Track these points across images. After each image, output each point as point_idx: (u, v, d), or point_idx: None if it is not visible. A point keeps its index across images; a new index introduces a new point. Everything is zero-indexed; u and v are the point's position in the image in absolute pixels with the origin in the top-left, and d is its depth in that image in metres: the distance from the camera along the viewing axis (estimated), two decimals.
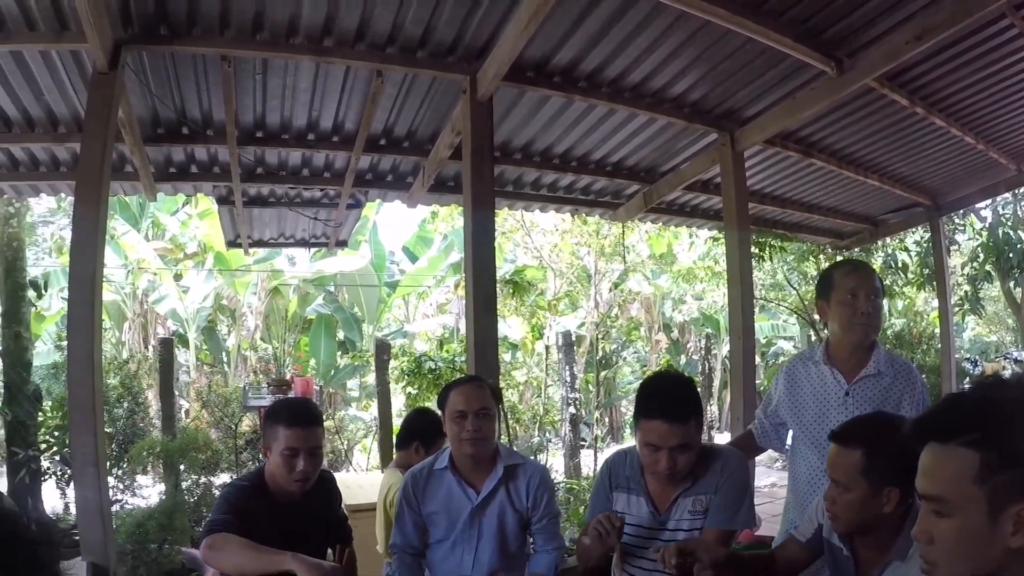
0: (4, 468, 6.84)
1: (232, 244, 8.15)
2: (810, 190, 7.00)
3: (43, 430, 6.86)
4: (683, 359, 17.20)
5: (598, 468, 2.91)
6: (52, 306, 12.79)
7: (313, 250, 11.23)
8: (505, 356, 13.52)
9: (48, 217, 13.02)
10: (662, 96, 4.78)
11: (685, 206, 7.25)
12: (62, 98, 4.46)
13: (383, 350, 8.25)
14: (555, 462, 8.96)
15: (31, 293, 7.14)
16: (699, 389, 2.72)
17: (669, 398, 2.38)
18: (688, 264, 13.76)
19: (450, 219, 13.43)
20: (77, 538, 3.66)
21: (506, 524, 2.89)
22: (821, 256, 9.34)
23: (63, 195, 6.28)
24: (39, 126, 4.79)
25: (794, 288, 9.66)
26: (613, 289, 13.35)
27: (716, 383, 15.55)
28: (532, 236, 12.58)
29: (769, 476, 9.44)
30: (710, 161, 5.59)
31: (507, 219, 11.99)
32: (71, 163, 5.29)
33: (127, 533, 5.21)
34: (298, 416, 2.64)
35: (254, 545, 2.38)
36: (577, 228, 11.82)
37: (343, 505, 3.10)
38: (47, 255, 13.72)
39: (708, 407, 15.27)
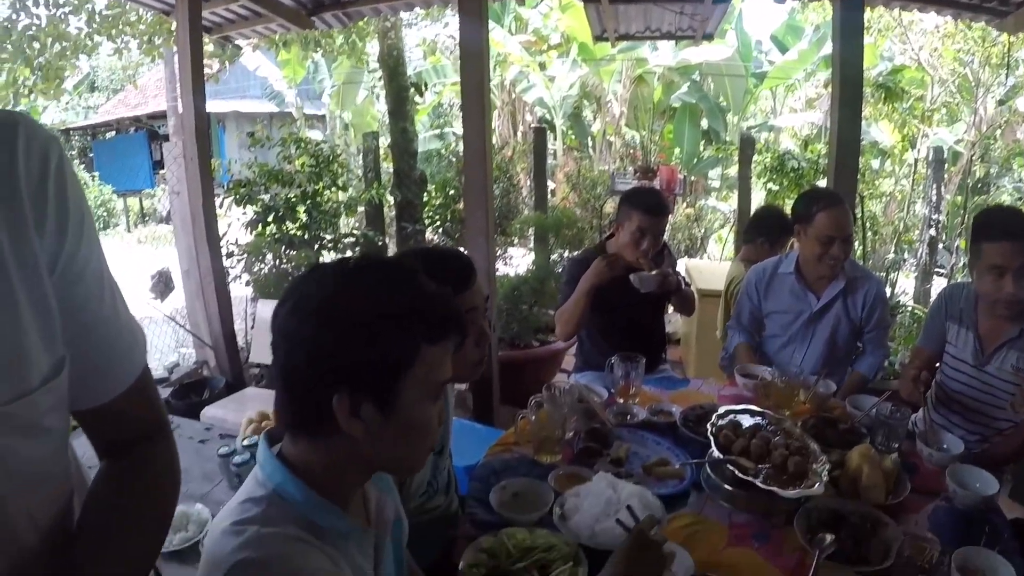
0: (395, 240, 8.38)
1: (599, 39, 8.79)
2: None
3: (427, 208, 8.15)
4: None
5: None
6: (425, 100, 14.88)
7: None
8: (873, 163, 12.70)
9: (415, 21, 14.78)
10: None
11: None
12: None
13: (747, 145, 8.48)
14: (907, 284, 8.66)
15: (411, 92, 8.58)
16: None
17: (1010, 218, 2.48)
18: None
19: (821, 9, 12.35)
20: None
21: (838, 332, 3.19)
22: None
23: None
24: None
25: None
26: (999, 106, 11.64)
27: None
28: (910, 36, 11.36)
29: None
30: None
31: (883, 16, 10.82)
32: None
33: (503, 295, 6.18)
34: (651, 205, 3.34)
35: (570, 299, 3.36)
36: (961, 32, 10.34)
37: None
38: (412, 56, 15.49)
39: None
